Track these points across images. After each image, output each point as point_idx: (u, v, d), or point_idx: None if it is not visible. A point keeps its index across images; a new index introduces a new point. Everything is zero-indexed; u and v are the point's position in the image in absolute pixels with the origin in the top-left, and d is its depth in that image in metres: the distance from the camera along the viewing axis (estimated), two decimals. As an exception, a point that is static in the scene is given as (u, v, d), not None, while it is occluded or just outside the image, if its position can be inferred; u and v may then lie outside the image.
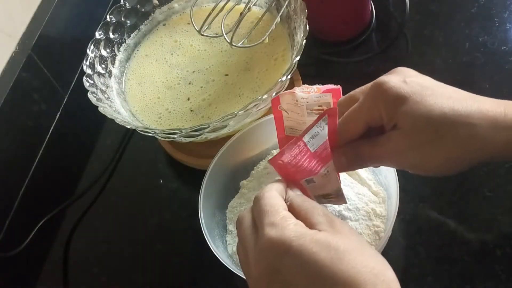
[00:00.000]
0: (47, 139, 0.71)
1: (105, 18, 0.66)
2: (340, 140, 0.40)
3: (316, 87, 0.43)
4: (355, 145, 0.40)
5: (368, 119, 0.39)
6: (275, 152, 0.57)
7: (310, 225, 0.35)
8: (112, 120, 0.56)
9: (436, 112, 0.36)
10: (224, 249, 0.51)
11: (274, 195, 0.38)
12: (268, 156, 0.57)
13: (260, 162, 0.57)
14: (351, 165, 0.41)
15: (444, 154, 0.37)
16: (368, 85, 0.40)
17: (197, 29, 0.61)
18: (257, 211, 0.37)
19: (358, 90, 0.41)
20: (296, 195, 0.39)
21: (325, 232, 0.34)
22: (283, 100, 0.44)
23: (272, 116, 0.54)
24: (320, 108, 0.43)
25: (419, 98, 0.36)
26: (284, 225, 0.35)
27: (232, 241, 0.51)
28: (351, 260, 0.32)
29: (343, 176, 0.50)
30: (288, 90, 0.44)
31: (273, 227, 0.35)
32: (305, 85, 0.44)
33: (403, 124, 0.37)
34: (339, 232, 0.35)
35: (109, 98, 0.61)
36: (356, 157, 0.40)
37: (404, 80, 0.37)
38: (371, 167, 0.53)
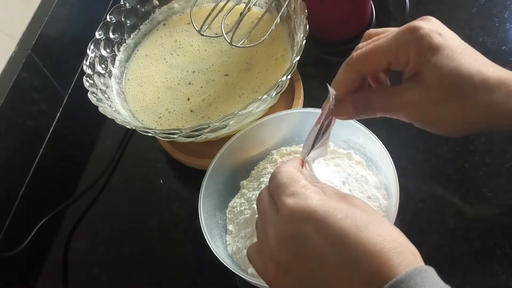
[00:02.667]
0: (47, 139, 0.71)
1: (105, 18, 0.66)
2: (355, 73, 0.39)
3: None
4: (365, 94, 0.40)
5: (393, 59, 0.38)
6: (275, 152, 0.56)
7: None
8: (112, 120, 0.56)
9: (463, 72, 0.36)
10: (224, 249, 0.51)
11: (291, 169, 0.37)
12: (268, 156, 0.57)
13: (260, 162, 0.57)
14: (359, 113, 0.40)
15: (463, 115, 0.37)
16: (399, 28, 0.38)
17: (197, 29, 0.61)
18: (275, 185, 0.36)
19: (385, 30, 0.40)
20: (309, 175, 0.39)
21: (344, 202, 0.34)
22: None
23: (271, 116, 0.55)
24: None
25: (451, 54, 0.36)
26: (306, 192, 0.34)
27: (232, 241, 0.51)
28: (375, 229, 0.32)
29: (345, 175, 0.50)
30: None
31: (293, 196, 0.34)
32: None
33: (428, 76, 0.36)
34: (356, 205, 0.34)
35: (109, 98, 0.61)
36: (366, 105, 0.39)
37: (439, 31, 0.37)
38: (374, 170, 0.53)
